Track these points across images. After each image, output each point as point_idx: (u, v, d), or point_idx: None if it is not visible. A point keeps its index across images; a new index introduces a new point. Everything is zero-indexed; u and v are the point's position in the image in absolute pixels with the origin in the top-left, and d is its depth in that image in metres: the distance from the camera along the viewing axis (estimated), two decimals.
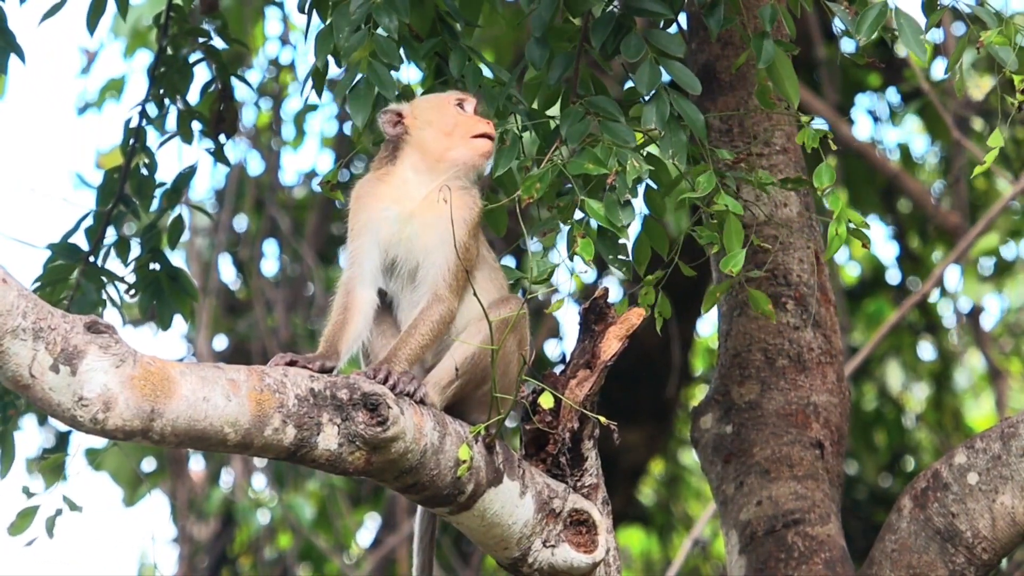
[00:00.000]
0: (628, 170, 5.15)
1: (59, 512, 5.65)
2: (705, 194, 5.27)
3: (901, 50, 11.01)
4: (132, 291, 6.23)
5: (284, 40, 11.72)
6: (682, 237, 5.54)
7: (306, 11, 5.68)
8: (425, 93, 5.65)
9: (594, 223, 5.20)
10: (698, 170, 5.38)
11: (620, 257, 5.26)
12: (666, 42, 5.40)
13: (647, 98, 5.38)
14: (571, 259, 5.20)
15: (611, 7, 5.39)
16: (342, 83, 5.40)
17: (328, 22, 5.44)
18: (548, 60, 5.46)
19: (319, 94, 5.68)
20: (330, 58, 5.51)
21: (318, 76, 5.63)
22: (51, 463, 5.85)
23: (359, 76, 5.37)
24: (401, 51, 5.47)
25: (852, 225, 5.36)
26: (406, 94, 5.71)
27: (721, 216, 5.34)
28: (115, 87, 11.56)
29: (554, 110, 5.59)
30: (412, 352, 5.20)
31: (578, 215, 5.23)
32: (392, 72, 5.41)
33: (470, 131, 5.32)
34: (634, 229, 5.44)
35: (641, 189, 5.39)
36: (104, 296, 6.19)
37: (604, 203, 5.16)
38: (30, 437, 6.12)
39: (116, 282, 6.21)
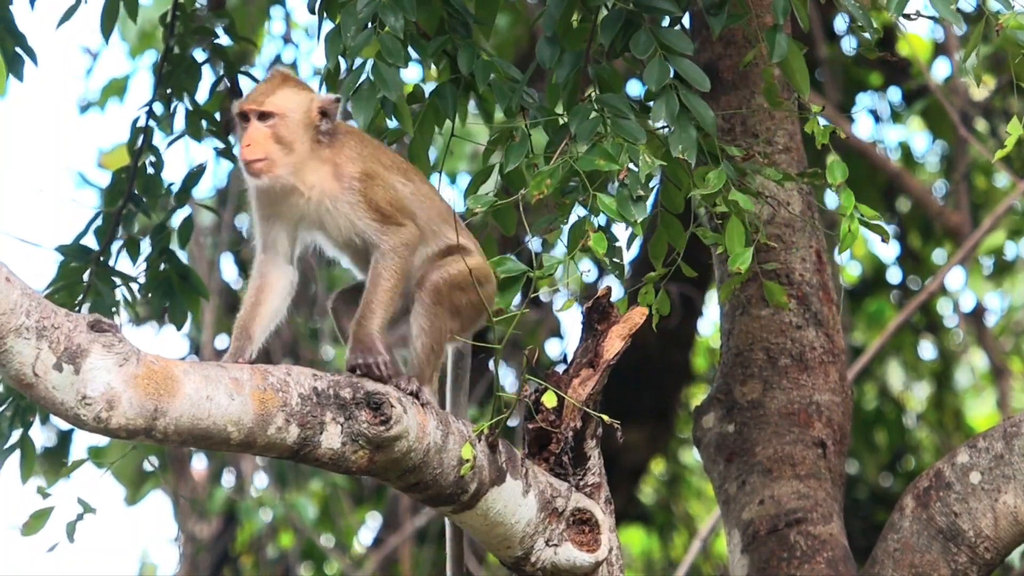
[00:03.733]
0: (641, 166, 5.15)
1: (80, 516, 5.63)
2: (715, 191, 5.26)
3: (904, 48, 11.02)
4: (146, 291, 6.22)
5: (287, 39, 11.72)
6: (687, 236, 5.53)
7: (316, 11, 5.68)
8: (434, 91, 5.66)
9: (596, 221, 5.19)
10: (702, 171, 5.36)
11: (615, 260, 5.24)
12: (674, 39, 5.40)
13: (656, 94, 5.37)
14: (573, 256, 5.18)
15: (620, 4, 5.39)
16: (347, 83, 5.39)
17: (337, 23, 5.44)
18: (558, 59, 5.46)
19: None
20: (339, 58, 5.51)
21: (330, 78, 5.63)
22: (70, 469, 5.83)
23: (363, 76, 5.37)
24: (410, 50, 5.46)
25: (863, 219, 5.37)
26: (415, 94, 5.71)
27: (725, 215, 5.34)
28: (117, 88, 11.55)
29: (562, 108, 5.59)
30: (379, 316, 5.17)
31: (583, 211, 5.22)
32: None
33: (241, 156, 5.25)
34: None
35: (655, 184, 5.37)
36: (118, 297, 6.18)
37: (616, 198, 5.15)
38: (33, 437, 6.14)
39: (129, 283, 6.21)
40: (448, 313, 5.27)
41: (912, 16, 5.38)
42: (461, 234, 5.34)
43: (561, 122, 5.49)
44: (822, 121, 5.46)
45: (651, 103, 5.44)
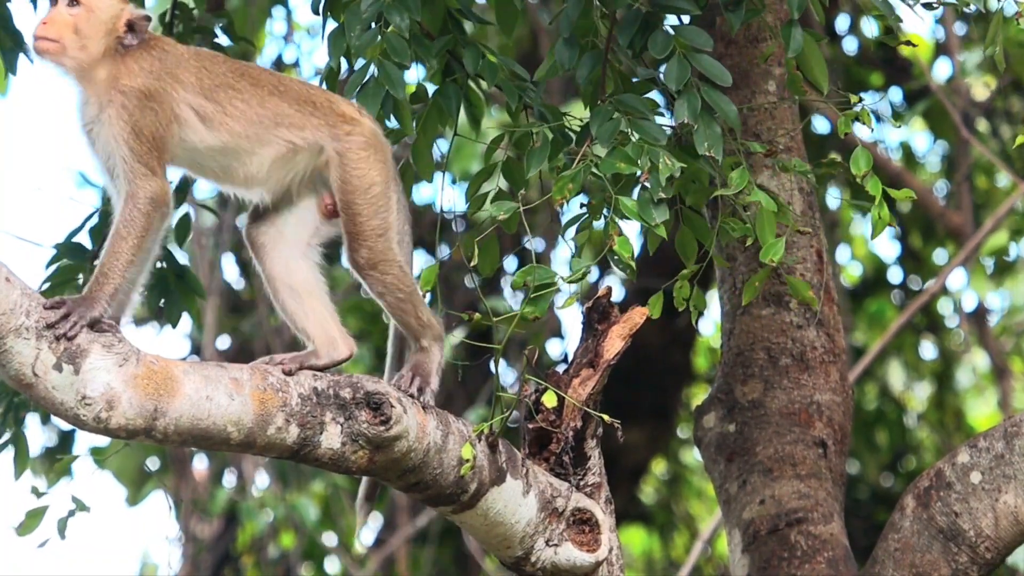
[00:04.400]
0: (661, 168, 5.13)
1: (72, 513, 5.64)
2: (738, 191, 5.26)
3: (905, 48, 10.98)
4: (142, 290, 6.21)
5: (287, 39, 11.72)
6: (715, 233, 5.52)
7: (320, 12, 5.68)
8: (438, 91, 5.65)
9: (604, 221, 5.17)
10: (728, 162, 5.36)
11: (625, 259, 5.23)
12: (693, 36, 5.39)
13: (678, 92, 5.34)
14: (595, 260, 5.17)
15: (637, 4, 5.37)
16: (352, 81, 5.39)
17: (341, 22, 5.44)
18: (577, 60, 5.45)
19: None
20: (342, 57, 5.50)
21: (332, 77, 5.62)
22: (64, 464, 5.83)
23: (369, 74, 5.36)
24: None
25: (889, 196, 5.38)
26: (417, 93, 5.71)
27: (755, 208, 5.34)
28: None
29: (572, 108, 5.58)
30: (111, 284, 4.96)
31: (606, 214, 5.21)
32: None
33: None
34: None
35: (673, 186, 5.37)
36: None
37: (637, 201, 5.13)
38: (33, 436, 6.14)
39: None
40: (391, 243, 5.20)
41: (933, 4, 5.38)
42: (324, 109, 5.22)
43: (567, 121, 5.48)
44: (818, 120, 5.46)
45: (651, 95, 5.44)
